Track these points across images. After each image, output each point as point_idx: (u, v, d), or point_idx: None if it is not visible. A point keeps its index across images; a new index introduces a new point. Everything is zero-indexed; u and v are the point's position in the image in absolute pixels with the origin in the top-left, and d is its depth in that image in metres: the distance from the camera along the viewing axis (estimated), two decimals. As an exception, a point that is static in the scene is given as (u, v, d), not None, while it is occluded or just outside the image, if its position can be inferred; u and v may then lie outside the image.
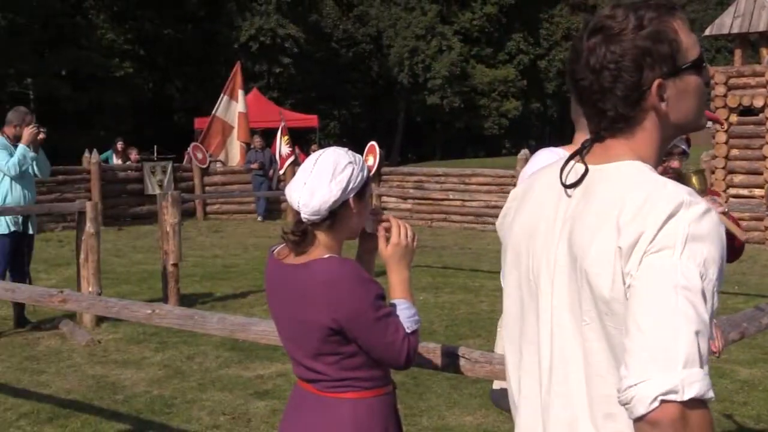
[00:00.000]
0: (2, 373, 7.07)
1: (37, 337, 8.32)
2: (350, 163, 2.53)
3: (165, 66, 41.01)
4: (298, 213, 2.53)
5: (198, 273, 12.00)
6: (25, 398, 6.42)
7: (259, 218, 19.44)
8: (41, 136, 8.58)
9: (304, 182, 2.50)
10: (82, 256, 8.71)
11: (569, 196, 1.73)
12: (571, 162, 1.76)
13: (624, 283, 1.55)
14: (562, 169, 1.76)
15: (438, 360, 2.96)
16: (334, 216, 2.52)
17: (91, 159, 18.10)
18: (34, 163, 8.56)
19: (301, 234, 2.55)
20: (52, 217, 16.60)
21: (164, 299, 9.14)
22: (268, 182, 19.42)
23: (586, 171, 1.71)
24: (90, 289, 8.52)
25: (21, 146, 8.42)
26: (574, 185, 1.72)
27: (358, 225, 2.61)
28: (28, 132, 8.45)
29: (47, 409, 6.19)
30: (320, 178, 2.50)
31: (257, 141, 20.05)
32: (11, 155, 8.39)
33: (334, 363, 2.52)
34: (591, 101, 1.70)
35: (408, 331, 2.52)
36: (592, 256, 1.60)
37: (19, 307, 8.63)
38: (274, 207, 19.79)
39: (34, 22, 34.80)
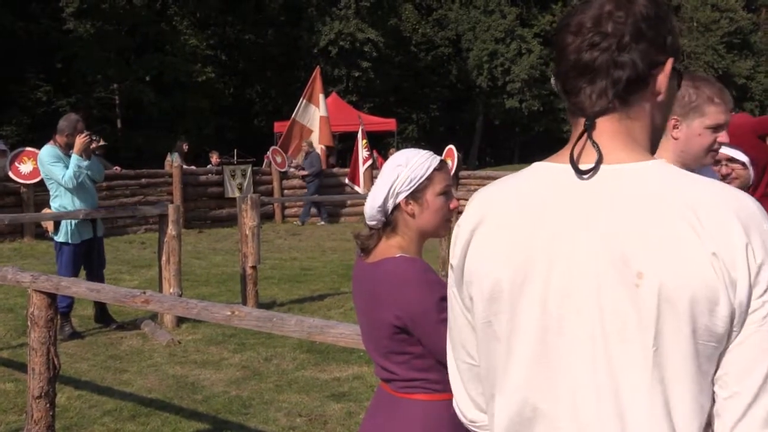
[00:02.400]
0: (87, 371, 7.24)
1: (120, 336, 8.50)
2: (399, 166, 2.56)
3: (246, 71, 41.53)
4: None
5: (276, 275, 12.11)
6: (109, 396, 6.57)
7: (298, 223, 19.44)
8: (94, 144, 8.41)
9: (370, 195, 2.59)
10: (163, 258, 8.87)
11: (574, 195, 1.51)
12: (579, 144, 1.55)
13: (743, 307, 1.38)
14: (571, 154, 1.54)
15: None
16: (392, 219, 2.58)
17: (172, 162, 18.42)
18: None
19: (367, 238, 2.62)
20: (135, 219, 16.94)
21: (243, 301, 9.24)
22: (315, 187, 19.48)
23: (600, 157, 1.50)
24: (171, 290, 8.67)
25: (74, 157, 8.25)
26: (592, 171, 1.50)
27: (426, 225, 2.60)
28: (80, 141, 8.26)
29: (129, 407, 6.32)
30: (375, 185, 2.60)
31: (304, 146, 20.11)
32: (66, 167, 8.26)
33: (404, 363, 2.53)
34: (605, 61, 1.50)
35: None
36: (681, 270, 1.38)
37: (99, 306, 8.79)
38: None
39: (121, 29, 35.63)
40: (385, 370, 2.59)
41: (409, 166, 2.55)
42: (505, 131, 51.60)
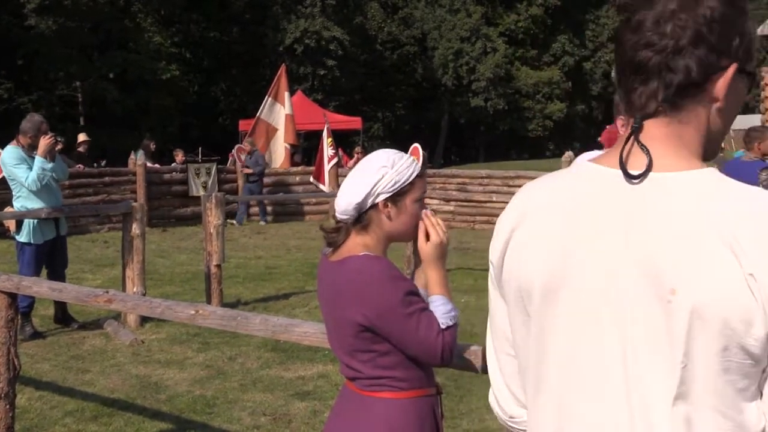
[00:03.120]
0: (48, 372, 7.17)
1: (83, 336, 8.42)
2: (384, 167, 2.56)
3: (210, 68, 41.37)
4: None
5: (240, 274, 12.06)
6: (70, 396, 6.50)
7: (235, 223, 18.77)
8: (59, 146, 8.23)
9: (343, 188, 2.58)
10: (127, 256, 8.80)
11: (623, 198, 1.47)
12: (627, 147, 1.50)
13: None
14: (621, 157, 1.49)
15: (479, 362, 2.95)
16: (365, 217, 2.58)
17: (136, 161, 18.30)
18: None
19: (335, 231, 2.63)
20: (98, 218, 16.80)
21: (207, 300, 9.19)
22: (259, 187, 19.30)
23: (651, 162, 1.45)
24: (135, 289, 8.60)
25: (38, 159, 8.09)
26: (642, 176, 1.46)
27: (399, 229, 2.62)
28: (44, 143, 8.09)
29: (91, 407, 6.26)
30: (352, 180, 2.59)
31: (246, 145, 19.94)
32: (30, 168, 8.12)
33: (369, 361, 2.54)
34: (658, 63, 1.46)
35: (443, 326, 2.52)
36: (715, 288, 1.35)
37: (60, 306, 8.71)
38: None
39: (84, 25, 35.31)
40: (350, 368, 2.59)
41: (394, 169, 2.56)
42: (470, 130, 51.81)
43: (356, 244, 2.58)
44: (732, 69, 1.46)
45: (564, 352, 1.51)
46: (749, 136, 7.97)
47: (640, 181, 1.46)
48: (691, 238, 1.38)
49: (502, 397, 1.75)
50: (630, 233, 1.44)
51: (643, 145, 1.47)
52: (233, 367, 7.29)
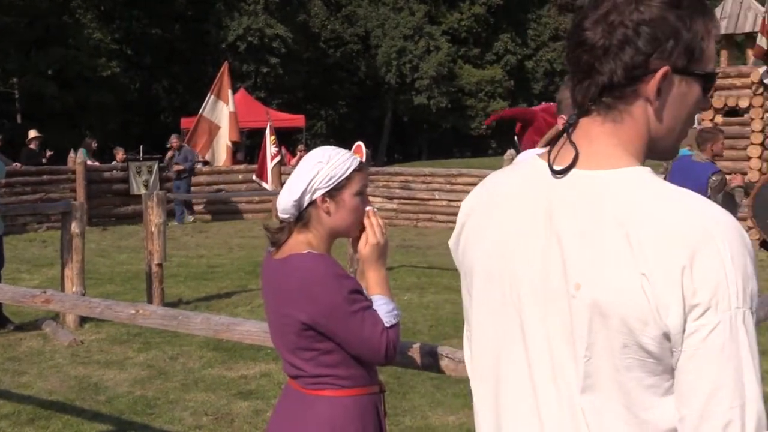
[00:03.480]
0: (-16, 374, 7.03)
1: (19, 337, 8.27)
2: (319, 162, 2.57)
3: (152, 65, 40.90)
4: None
5: (182, 273, 11.96)
6: (6, 399, 6.39)
7: (176, 222, 18.52)
8: None
9: (286, 187, 2.61)
10: (66, 256, 8.67)
11: (551, 197, 1.50)
12: (561, 142, 1.55)
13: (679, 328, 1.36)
14: (549, 153, 1.55)
15: (421, 359, 2.96)
16: (305, 214, 2.59)
17: (76, 159, 18.03)
18: None
19: (278, 230, 2.64)
20: (36, 217, 16.53)
21: (148, 299, 9.10)
22: (187, 184, 19.18)
23: (577, 155, 1.49)
24: (74, 289, 8.48)
25: None
26: (565, 171, 1.50)
27: (340, 224, 2.61)
28: None
29: (28, 410, 6.15)
30: (291, 178, 2.61)
31: (174, 140, 19.77)
32: None
33: (311, 359, 2.54)
34: (589, 63, 1.49)
35: (387, 325, 2.52)
36: (612, 287, 1.39)
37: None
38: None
39: (21, 21, 34.64)
40: (293, 366, 2.58)
41: (330, 164, 2.56)
42: (413, 128, 51.95)
43: (299, 242, 2.58)
44: (662, 71, 1.46)
45: (493, 340, 1.59)
46: (702, 137, 8.13)
47: (562, 177, 1.50)
48: (597, 236, 1.41)
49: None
50: (549, 227, 1.49)
51: (572, 141, 1.50)
52: (175, 367, 7.22)
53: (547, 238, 1.49)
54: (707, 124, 15.10)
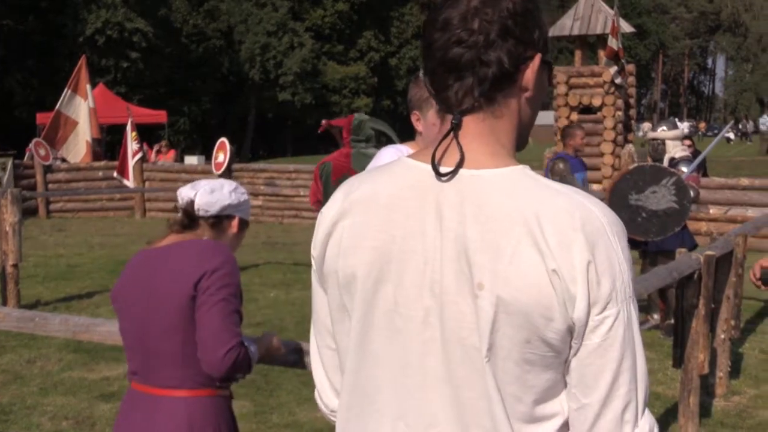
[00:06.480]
0: None
1: None
2: (243, 194, 2.92)
3: (5, 59, 39.39)
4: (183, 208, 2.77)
5: (40, 273, 11.58)
6: None
7: None
8: None
9: (207, 186, 2.82)
10: None
11: (441, 199, 1.49)
12: (444, 143, 1.52)
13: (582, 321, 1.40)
14: (434, 155, 1.51)
15: (287, 356, 2.96)
16: (219, 220, 2.80)
17: (-77, 155, 17.25)
18: None
19: (188, 218, 2.75)
20: None
21: (3, 302, 8.83)
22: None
23: (462, 159, 1.48)
24: None
25: None
26: (451, 174, 1.48)
27: (233, 245, 2.84)
28: None
29: None
30: (223, 186, 2.85)
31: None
32: None
33: (170, 356, 2.52)
34: (470, 58, 1.49)
35: (245, 343, 2.55)
36: (518, 284, 1.40)
37: None
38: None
39: None
40: (147, 368, 2.55)
41: (245, 200, 2.91)
42: (277, 124, 51.79)
43: (202, 234, 2.74)
44: (537, 58, 1.52)
45: (385, 349, 1.53)
46: (565, 133, 8.57)
47: (449, 179, 1.49)
48: (499, 235, 1.42)
49: (323, 391, 1.76)
50: (444, 228, 1.47)
51: (459, 143, 1.50)
52: (32, 371, 6.99)
53: (441, 239, 1.47)
54: (564, 121, 15.62)
